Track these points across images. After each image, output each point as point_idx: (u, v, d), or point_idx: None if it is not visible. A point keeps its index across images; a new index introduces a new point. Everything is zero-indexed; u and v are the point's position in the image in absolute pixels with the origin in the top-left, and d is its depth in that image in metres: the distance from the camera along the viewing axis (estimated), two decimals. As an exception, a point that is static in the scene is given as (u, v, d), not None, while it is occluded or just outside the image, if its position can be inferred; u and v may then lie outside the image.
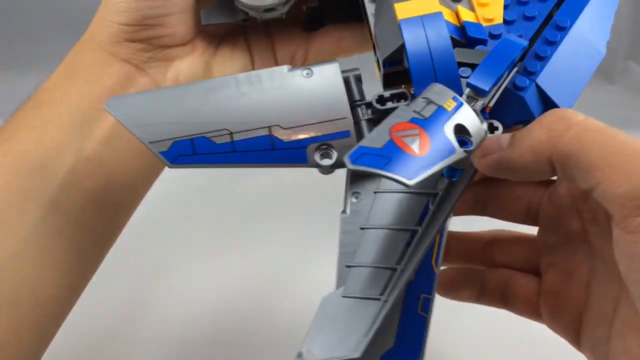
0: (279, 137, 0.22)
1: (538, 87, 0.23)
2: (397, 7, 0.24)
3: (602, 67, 0.28)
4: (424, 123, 0.19)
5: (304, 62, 0.32)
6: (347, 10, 0.29)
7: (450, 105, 0.20)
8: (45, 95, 0.28)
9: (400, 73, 0.24)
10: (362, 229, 0.21)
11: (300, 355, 0.18)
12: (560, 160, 0.20)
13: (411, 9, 0.23)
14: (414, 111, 0.20)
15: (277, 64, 0.31)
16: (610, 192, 0.18)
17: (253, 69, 0.30)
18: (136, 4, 0.27)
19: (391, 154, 0.18)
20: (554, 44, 0.24)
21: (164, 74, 0.29)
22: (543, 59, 0.23)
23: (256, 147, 0.21)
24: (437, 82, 0.22)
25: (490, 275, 0.27)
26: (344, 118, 0.22)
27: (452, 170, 0.22)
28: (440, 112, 0.20)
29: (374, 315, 0.19)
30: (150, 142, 0.21)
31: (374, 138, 0.19)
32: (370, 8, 0.26)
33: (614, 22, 0.25)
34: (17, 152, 0.26)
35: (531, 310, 0.26)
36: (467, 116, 0.20)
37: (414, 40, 0.23)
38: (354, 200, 0.22)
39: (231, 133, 0.21)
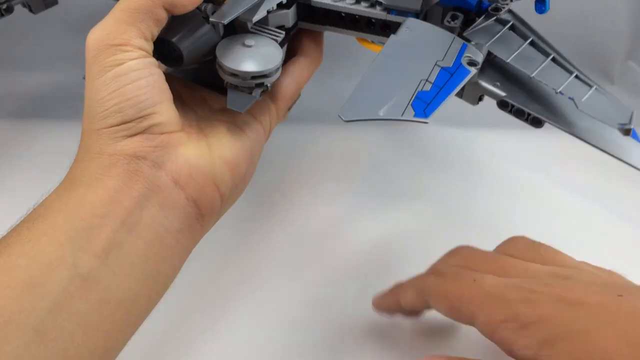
0: (445, 65, 0.28)
1: None
2: None
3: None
4: None
5: (277, 112, 0.35)
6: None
7: None
8: (42, 208, 0.27)
9: None
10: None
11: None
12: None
13: None
14: None
15: (256, 119, 0.34)
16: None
17: (240, 128, 0.33)
18: (128, 100, 0.28)
19: None
20: None
21: (175, 162, 0.29)
22: None
23: (445, 78, 0.27)
24: None
25: None
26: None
27: None
28: None
29: None
30: (402, 116, 0.25)
31: None
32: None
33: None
34: (6, 269, 0.25)
35: None
36: None
37: None
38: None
39: (426, 80, 0.27)
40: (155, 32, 0.29)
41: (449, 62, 0.28)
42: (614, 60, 0.64)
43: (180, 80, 0.35)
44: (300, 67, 0.36)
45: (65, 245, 0.25)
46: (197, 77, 0.36)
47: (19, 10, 0.45)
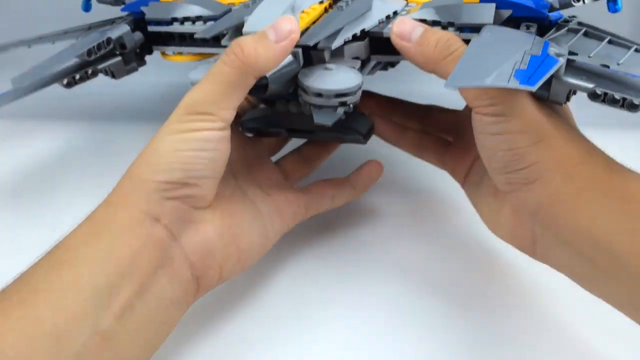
0: (534, 53, 0.28)
1: None
2: None
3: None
4: None
5: (304, 216, 0.38)
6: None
7: None
8: (67, 254, 0.28)
9: None
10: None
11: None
12: (439, 74, 0.31)
13: None
14: None
15: (282, 221, 0.36)
16: (464, 95, 0.30)
17: (265, 225, 0.35)
18: (182, 164, 0.29)
19: None
20: None
21: (191, 238, 0.31)
22: None
23: (537, 63, 0.27)
24: None
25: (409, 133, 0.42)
26: None
27: None
28: None
29: None
30: (508, 83, 0.25)
31: None
32: None
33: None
34: (33, 319, 0.25)
35: (438, 160, 0.41)
36: None
37: None
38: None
39: (520, 62, 0.27)
40: (242, 98, 0.31)
41: (537, 51, 0.28)
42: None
43: (237, 140, 0.36)
44: (343, 195, 0.40)
45: (89, 301, 0.26)
46: (267, 125, 0.39)
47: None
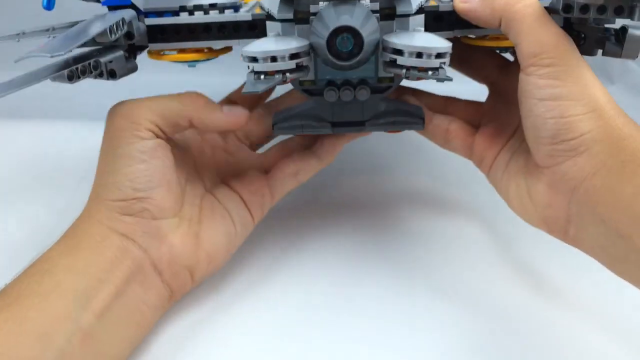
0: None
1: None
2: None
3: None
4: None
5: (272, 201, 0.39)
6: None
7: None
8: (49, 264, 0.30)
9: None
10: None
11: None
12: (505, 21, 0.30)
13: None
14: None
15: (250, 214, 0.38)
16: (525, 50, 0.29)
17: (234, 223, 0.36)
18: (128, 181, 0.31)
19: None
20: None
21: (158, 249, 0.33)
22: None
23: None
24: None
25: (438, 120, 0.38)
26: None
27: None
28: None
29: None
30: None
31: None
32: None
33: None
34: (19, 319, 0.27)
35: (465, 149, 0.38)
36: None
37: None
38: None
39: None
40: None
41: None
42: (614, 60, 0.64)
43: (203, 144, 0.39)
44: (308, 168, 0.39)
45: (70, 303, 0.29)
46: (306, 120, 0.36)
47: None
